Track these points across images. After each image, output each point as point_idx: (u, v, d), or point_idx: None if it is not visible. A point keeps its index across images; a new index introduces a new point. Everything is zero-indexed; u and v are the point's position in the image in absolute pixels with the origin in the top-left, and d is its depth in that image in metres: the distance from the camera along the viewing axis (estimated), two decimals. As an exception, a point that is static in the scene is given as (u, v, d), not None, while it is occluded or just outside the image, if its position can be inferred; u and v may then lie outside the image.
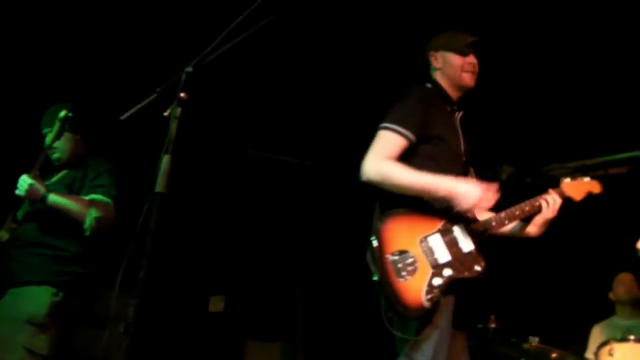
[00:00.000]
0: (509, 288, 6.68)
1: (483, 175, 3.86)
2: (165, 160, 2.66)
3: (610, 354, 5.45)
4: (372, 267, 3.31)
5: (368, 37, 5.70)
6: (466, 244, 3.39)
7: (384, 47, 5.80)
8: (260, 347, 7.95)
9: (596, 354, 5.63)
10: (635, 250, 3.25)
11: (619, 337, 5.60)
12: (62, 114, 4.25)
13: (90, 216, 4.21)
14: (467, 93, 3.79)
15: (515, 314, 6.26)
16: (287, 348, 8.00)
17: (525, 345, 5.64)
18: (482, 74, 3.75)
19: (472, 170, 3.79)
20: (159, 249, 2.61)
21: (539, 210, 3.66)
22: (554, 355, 5.67)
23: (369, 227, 3.44)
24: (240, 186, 7.65)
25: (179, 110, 2.70)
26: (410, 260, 3.29)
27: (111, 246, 4.28)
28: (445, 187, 3.34)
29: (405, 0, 5.35)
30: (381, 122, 3.55)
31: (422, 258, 3.31)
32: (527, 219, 3.73)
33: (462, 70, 3.69)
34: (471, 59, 3.71)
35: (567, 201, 3.71)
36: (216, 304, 8.15)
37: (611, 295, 6.45)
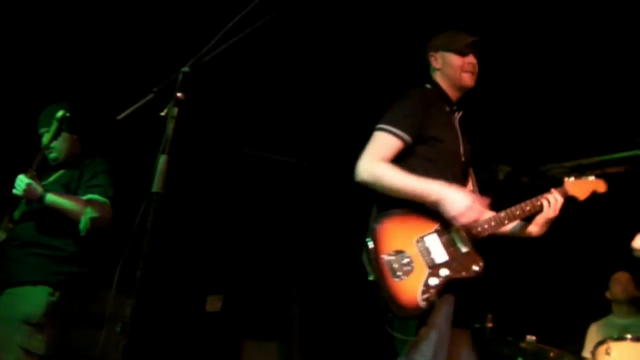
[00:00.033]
0: (506, 287, 6.69)
1: (480, 175, 3.87)
2: (162, 160, 2.66)
3: (607, 353, 5.46)
4: (368, 268, 3.31)
5: (365, 36, 5.70)
6: (464, 244, 3.39)
7: (381, 46, 5.80)
8: (258, 346, 7.94)
9: (593, 353, 5.63)
10: (631, 249, 3.25)
11: (615, 336, 5.60)
12: (60, 113, 4.25)
13: (87, 216, 4.21)
14: (467, 93, 3.78)
15: (512, 313, 6.26)
16: (284, 347, 8.01)
17: (523, 345, 5.65)
18: (479, 74, 3.74)
19: (471, 170, 3.78)
20: (156, 248, 2.60)
21: (540, 209, 3.65)
22: (551, 354, 5.68)
23: (366, 227, 3.44)
24: (237, 186, 7.64)
25: (175, 110, 2.70)
26: (406, 260, 3.29)
27: (108, 246, 4.28)
28: (436, 192, 3.33)
29: (403, 0, 5.36)
30: (378, 122, 3.55)
31: (418, 258, 3.31)
32: (528, 219, 3.71)
33: (462, 70, 3.68)
34: (471, 59, 3.70)
35: (569, 200, 3.70)
36: (213, 304, 8.15)
37: (608, 295, 6.46)
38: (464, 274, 3.32)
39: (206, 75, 2.75)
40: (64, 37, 5.69)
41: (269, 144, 7.31)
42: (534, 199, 3.65)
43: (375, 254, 3.29)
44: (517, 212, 3.60)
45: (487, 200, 3.43)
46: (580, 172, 3.82)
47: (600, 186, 3.78)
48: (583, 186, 3.75)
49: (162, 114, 2.72)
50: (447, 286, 3.29)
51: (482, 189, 3.87)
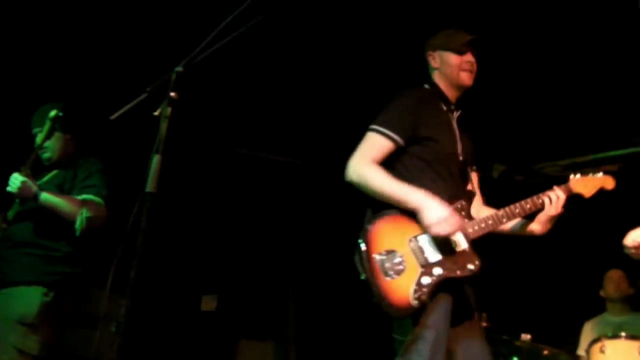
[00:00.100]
0: (501, 286, 6.69)
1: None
2: (156, 159, 2.65)
3: (602, 351, 5.47)
4: (359, 268, 3.31)
5: (358, 35, 5.70)
6: (460, 243, 3.38)
7: (375, 45, 5.80)
8: (253, 346, 7.94)
9: (588, 351, 5.65)
10: (623, 247, 3.24)
11: (610, 333, 5.62)
12: (53, 113, 4.24)
13: (82, 216, 4.20)
14: (466, 92, 3.77)
15: (507, 311, 6.27)
16: (279, 347, 8.00)
17: (517, 343, 5.67)
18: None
19: (470, 169, 3.75)
20: (151, 248, 2.60)
21: (541, 207, 3.61)
22: (545, 352, 5.70)
23: (361, 226, 3.44)
24: (231, 186, 7.63)
25: (169, 109, 2.70)
26: (397, 259, 3.29)
27: (102, 246, 4.27)
28: (416, 201, 3.33)
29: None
30: (371, 122, 3.56)
31: (410, 257, 3.31)
32: (529, 217, 3.68)
33: (460, 69, 3.66)
34: (468, 57, 3.67)
35: (573, 198, 3.66)
36: (208, 303, 8.14)
37: (602, 293, 6.47)
38: (458, 272, 3.31)
39: (199, 74, 2.74)
40: (58, 37, 5.69)
41: (262, 143, 7.30)
42: (535, 197, 3.61)
43: (366, 254, 3.29)
44: (517, 211, 3.56)
45: (460, 222, 3.39)
46: (574, 170, 3.78)
47: (609, 183, 3.74)
48: (589, 183, 3.70)
49: (156, 113, 2.72)
50: (442, 285, 3.29)
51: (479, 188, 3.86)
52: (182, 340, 7.69)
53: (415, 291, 3.23)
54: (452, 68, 3.68)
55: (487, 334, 5.56)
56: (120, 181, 4.53)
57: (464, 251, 3.36)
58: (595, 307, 6.54)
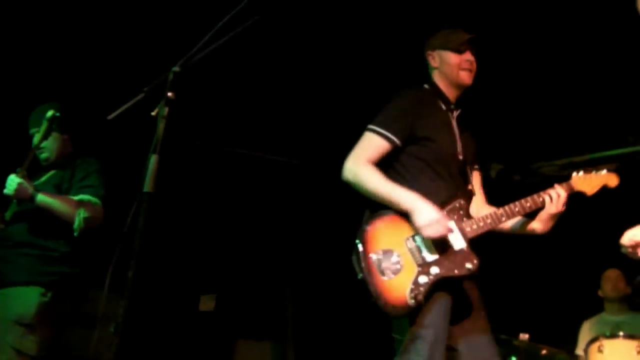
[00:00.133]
0: (499, 285, 6.69)
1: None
2: (153, 160, 2.65)
3: (600, 350, 5.48)
4: (356, 268, 3.32)
5: (356, 35, 5.69)
6: (458, 242, 3.38)
7: (372, 45, 5.80)
8: (251, 346, 7.94)
9: (586, 351, 5.66)
10: (620, 246, 3.23)
11: (608, 333, 5.63)
12: (50, 113, 4.24)
13: (79, 216, 4.20)
14: (467, 91, 3.76)
15: (505, 311, 6.27)
16: (277, 347, 8.01)
17: (516, 342, 5.66)
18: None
19: (471, 168, 3.74)
20: (149, 248, 2.60)
21: (542, 206, 3.56)
22: (544, 352, 5.70)
23: (358, 226, 3.45)
24: (229, 185, 7.63)
25: (166, 109, 2.70)
26: (394, 259, 3.29)
27: (100, 246, 4.27)
28: (408, 202, 3.35)
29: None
30: (369, 122, 3.57)
31: (407, 257, 3.31)
32: (530, 215, 3.65)
33: (459, 68, 3.65)
34: (468, 56, 3.67)
35: (575, 196, 3.62)
36: (207, 303, 8.14)
37: (600, 292, 6.47)
38: (456, 272, 3.32)
39: (197, 74, 2.74)
40: (55, 37, 5.68)
41: (260, 143, 7.30)
42: (535, 195, 3.57)
43: (363, 253, 3.30)
44: (517, 209, 3.53)
45: (449, 227, 3.39)
46: (571, 169, 3.75)
47: (612, 180, 3.68)
48: (592, 181, 3.65)
49: (153, 113, 2.72)
50: (440, 284, 3.29)
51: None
52: (181, 341, 7.69)
53: (412, 290, 3.24)
54: (451, 67, 3.68)
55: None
56: (117, 181, 4.52)
57: (461, 250, 3.36)
58: (593, 307, 6.54)
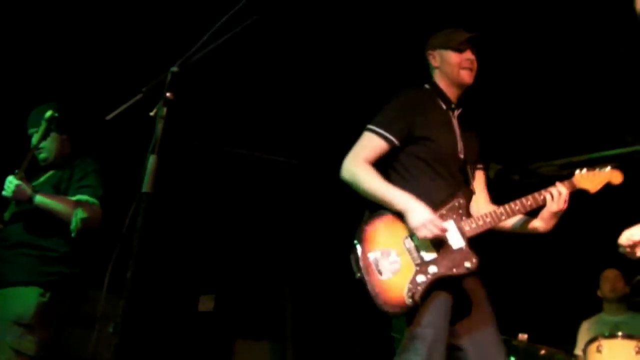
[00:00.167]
0: (497, 285, 6.69)
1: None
2: (152, 160, 2.65)
3: (599, 351, 5.48)
4: (354, 267, 3.33)
5: (355, 35, 5.69)
6: (456, 241, 3.38)
7: (371, 44, 5.80)
8: (250, 346, 7.94)
9: (584, 351, 5.66)
10: (618, 246, 3.22)
11: (607, 333, 5.63)
12: (48, 114, 4.24)
13: (77, 217, 4.20)
14: (468, 90, 3.75)
15: (504, 311, 6.26)
16: (276, 347, 8.01)
17: (514, 342, 5.66)
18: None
19: (473, 167, 3.72)
20: (148, 248, 2.60)
21: (543, 204, 3.52)
22: (542, 352, 5.69)
23: (357, 225, 3.46)
24: (228, 185, 7.63)
25: (164, 110, 2.70)
26: (392, 258, 3.31)
27: (99, 246, 4.27)
28: (402, 203, 3.37)
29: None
30: (368, 122, 3.59)
31: (405, 256, 3.32)
32: (532, 214, 3.62)
33: (460, 67, 3.65)
34: (468, 55, 3.66)
35: (575, 194, 3.58)
36: (206, 304, 8.14)
37: (599, 293, 6.47)
38: (454, 271, 3.32)
39: (195, 74, 2.74)
40: (53, 37, 5.68)
41: (259, 143, 7.29)
42: (536, 193, 3.53)
43: (362, 253, 3.32)
44: (517, 207, 3.51)
45: (444, 227, 3.38)
46: (570, 169, 3.73)
47: (616, 177, 3.63)
48: (595, 178, 3.60)
49: (152, 114, 2.72)
50: (439, 284, 3.30)
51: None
52: (180, 341, 7.69)
53: (410, 290, 3.25)
54: (452, 66, 3.67)
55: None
56: (116, 181, 4.52)
57: (460, 249, 3.37)
58: (592, 307, 6.54)
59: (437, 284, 3.29)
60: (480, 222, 3.46)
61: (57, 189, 4.39)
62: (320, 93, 6.47)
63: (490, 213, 3.50)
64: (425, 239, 3.34)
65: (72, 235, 4.23)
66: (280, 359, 7.98)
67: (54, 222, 4.24)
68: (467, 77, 3.67)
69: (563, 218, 3.60)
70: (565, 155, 6.60)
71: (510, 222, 3.69)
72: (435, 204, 3.42)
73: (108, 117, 2.90)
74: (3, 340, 4.04)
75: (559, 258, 7.20)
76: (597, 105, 6.09)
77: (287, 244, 8.07)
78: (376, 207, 3.45)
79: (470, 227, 3.44)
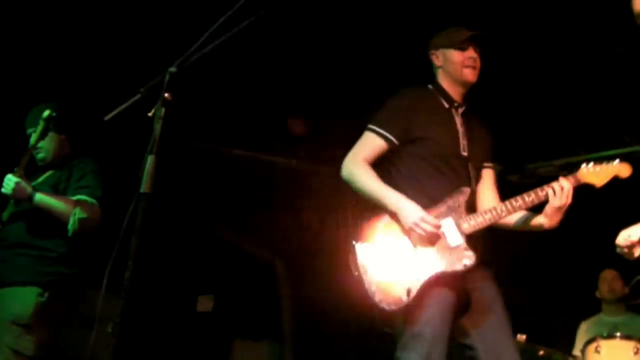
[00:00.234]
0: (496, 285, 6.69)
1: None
2: (150, 160, 2.65)
3: (597, 351, 5.49)
4: (352, 266, 3.34)
5: (354, 34, 5.69)
6: (455, 238, 3.39)
7: (371, 44, 5.79)
8: (248, 346, 7.95)
9: (583, 351, 5.66)
10: (615, 246, 3.22)
11: (605, 334, 5.63)
12: (46, 113, 4.23)
13: (74, 217, 4.20)
14: (473, 88, 3.75)
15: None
16: (275, 347, 8.01)
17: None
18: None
19: (477, 165, 3.71)
20: (146, 249, 2.60)
21: (545, 199, 3.44)
22: (541, 352, 5.69)
23: (356, 224, 3.47)
24: (226, 186, 7.63)
25: (163, 110, 2.70)
26: (390, 257, 3.34)
27: (97, 246, 4.27)
28: (393, 203, 3.41)
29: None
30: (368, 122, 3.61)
31: (403, 254, 3.35)
32: (535, 211, 3.57)
33: (463, 65, 3.65)
34: (471, 53, 3.67)
35: (578, 193, 3.49)
36: (204, 304, 8.15)
37: (597, 294, 6.47)
38: (453, 268, 3.33)
39: (193, 75, 2.74)
40: (52, 37, 5.68)
41: (257, 143, 7.30)
42: (538, 189, 3.46)
43: (360, 252, 3.34)
44: (518, 204, 3.45)
45: (438, 225, 3.38)
46: (570, 169, 3.67)
47: (625, 170, 3.48)
48: (602, 172, 3.46)
49: (150, 114, 2.72)
50: (438, 281, 3.31)
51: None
52: (179, 341, 7.69)
53: (407, 287, 3.26)
54: (454, 65, 3.68)
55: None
56: (114, 182, 4.52)
57: (458, 246, 3.37)
58: (591, 308, 6.54)
59: (435, 282, 3.30)
60: (480, 219, 3.46)
61: (56, 189, 4.38)
62: (320, 93, 6.47)
63: (490, 209, 3.49)
64: (421, 237, 3.34)
65: (69, 234, 4.22)
66: (279, 359, 7.98)
67: (53, 222, 4.23)
68: (470, 75, 3.67)
69: (562, 218, 3.56)
70: (564, 156, 6.61)
71: (513, 219, 3.65)
72: (434, 202, 3.44)
73: (106, 118, 2.90)
74: (1, 340, 4.04)
75: (558, 258, 7.20)
76: (595, 106, 6.09)
77: (286, 243, 8.07)
78: (375, 207, 3.47)
79: (469, 224, 3.44)
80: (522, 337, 5.61)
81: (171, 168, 4.13)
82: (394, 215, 3.42)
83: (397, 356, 3.32)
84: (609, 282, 6.35)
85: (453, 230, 3.40)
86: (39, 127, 4.26)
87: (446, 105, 3.70)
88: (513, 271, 7.21)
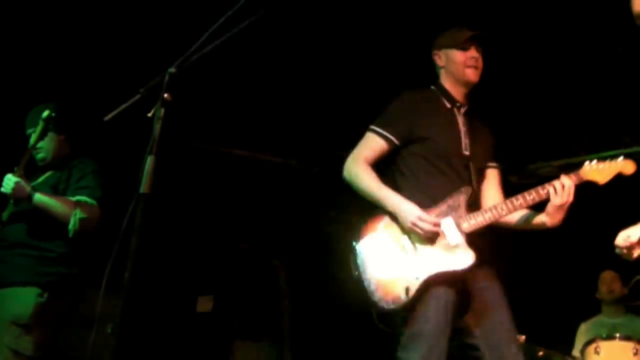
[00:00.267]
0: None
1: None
2: (150, 160, 2.65)
3: (597, 352, 5.49)
4: (352, 265, 3.35)
5: (354, 34, 5.69)
6: (454, 237, 3.40)
7: (371, 44, 5.79)
8: (248, 346, 7.94)
9: (582, 352, 5.67)
10: (614, 247, 3.21)
11: (604, 335, 5.64)
12: (46, 113, 4.23)
13: (75, 217, 4.20)
14: (476, 88, 3.76)
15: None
16: (275, 347, 8.01)
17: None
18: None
19: (479, 165, 3.71)
20: (146, 249, 2.60)
21: (546, 197, 3.42)
22: (540, 353, 5.70)
23: (356, 224, 3.48)
24: (226, 186, 7.63)
25: (162, 110, 2.70)
26: (390, 257, 3.34)
27: (97, 247, 4.27)
28: (390, 204, 3.44)
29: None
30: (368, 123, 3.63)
31: (402, 254, 3.35)
32: (537, 209, 3.57)
33: (465, 65, 3.66)
34: (472, 53, 3.68)
35: (581, 188, 3.47)
36: (204, 305, 8.14)
37: (597, 295, 6.47)
38: (452, 267, 3.33)
39: (193, 75, 2.74)
40: (51, 37, 5.67)
41: (257, 144, 7.29)
42: (539, 187, 3.44)
43: (360, 251, 3.35)
44: (519, 202, 3.44)
45: (437, 223, 3.39)
46: (570, 170, 3.65)
47: (629, 167, 3.45)
48: (605, 169, 3.44)
49: (149, 114, 2.72)
50: (438, 280, 3.31)
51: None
52: (178, 341, 7.69)
53: (406, 286, 3.27)
54: (457, 65, 3.70)
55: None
56: (114, 182, 4.52)
57: (458, 245, 3.37)
58: (591, 309, 6.54)
59: (435, 281, 3.31)
60: (480, 218, 3.46)
61: (56, 190, 4.38)
62: (320, 94, 6.47)
63: (490, 208, 3.49)
64: (421, 237, 3.35)
65: (70, 235, 4.22)
66: (279, 359, 7.98)
67: (53, 223, 4.23)
68: (472, 75, 3.68)
69: (565, 217, 3.54)
70: (564, 157, 6.61)
71: (515, 218, 3.64)
72: (435, 201, 3.45)
73: (106, 118, 2.90)
74: (1, 340, 4.04)
75: (557, 259, 7.19)
76: (595, 106, 6.09)
77: (286, 244, 8.07)
78: (376, 207, 3.48)
79: (469, 223, 3.44)
80: (521, 338, 5.61)
81: (171, 168, 4.14)
82: (393, 216, 3.43)
83: (396, 356, 3.33)
84: (608, 283, 6.35)
85: (453, 230, 3.40)
86: (39, 128, 4.26)
87: (448, 105, 3.71)
88: (513, 271, 7.22)
